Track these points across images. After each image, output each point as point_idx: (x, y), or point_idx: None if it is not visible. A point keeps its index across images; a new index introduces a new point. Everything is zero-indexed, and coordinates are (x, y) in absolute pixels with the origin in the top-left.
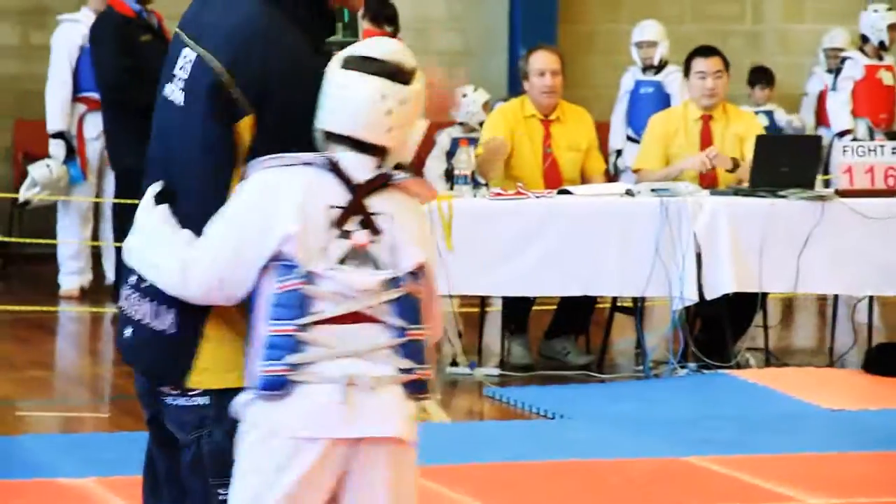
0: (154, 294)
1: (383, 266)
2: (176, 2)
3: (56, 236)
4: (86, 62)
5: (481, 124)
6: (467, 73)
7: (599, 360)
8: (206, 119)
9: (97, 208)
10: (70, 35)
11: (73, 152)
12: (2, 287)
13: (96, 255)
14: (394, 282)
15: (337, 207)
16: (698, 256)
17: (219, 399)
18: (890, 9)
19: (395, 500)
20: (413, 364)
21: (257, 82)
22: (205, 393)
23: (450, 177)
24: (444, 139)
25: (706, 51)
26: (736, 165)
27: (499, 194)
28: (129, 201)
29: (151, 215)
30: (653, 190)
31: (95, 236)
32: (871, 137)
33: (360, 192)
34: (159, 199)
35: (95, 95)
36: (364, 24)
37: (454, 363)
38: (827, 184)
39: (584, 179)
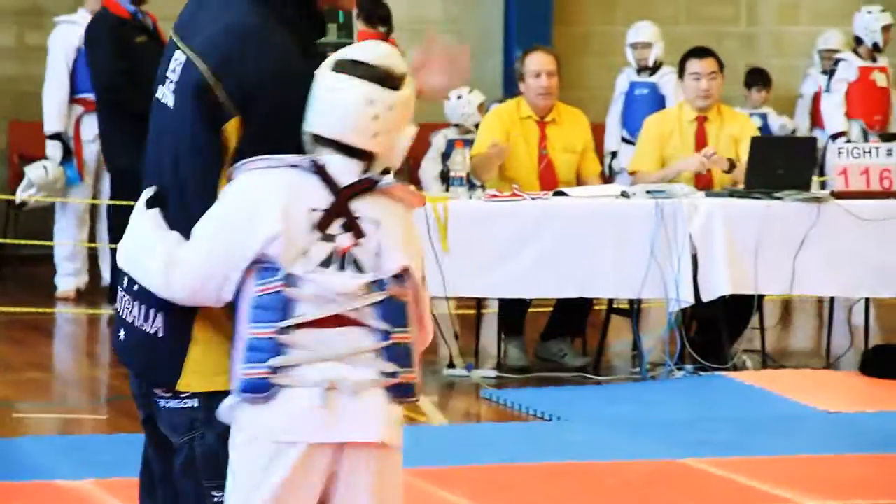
0: (144, 296)
1: (367, 270)
2: (170, 3)
3: (52, 238)
4: (83, 64)
5: (477, 126)
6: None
7: (596, 362)
8: (195, 121)
9: (94, 210)
10: (67, 36)
11: (69, 154)
12: None
13: (93, 256)
14: (377, 285)
15: (319, 210)
16: (694, 258)
17: (209, 401)
18: (884, 10)
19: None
20: (397, 368)
21: (243, 85)
22: (195, 395)
23: (445, 178)
24: (439, 141)
25: (700, 52)
26: (732, 166)
27: (494, 196)
28: (123, 202)
29: (142, 218)
30: (648, 191)
31: (92, 238)
32: (865, 139)
33: (343, 195)
34: (152, 202)
35: (92, 97)
36: (358, 25)
37: (451, 365)
38: (822, 185)
39: (579, 181)
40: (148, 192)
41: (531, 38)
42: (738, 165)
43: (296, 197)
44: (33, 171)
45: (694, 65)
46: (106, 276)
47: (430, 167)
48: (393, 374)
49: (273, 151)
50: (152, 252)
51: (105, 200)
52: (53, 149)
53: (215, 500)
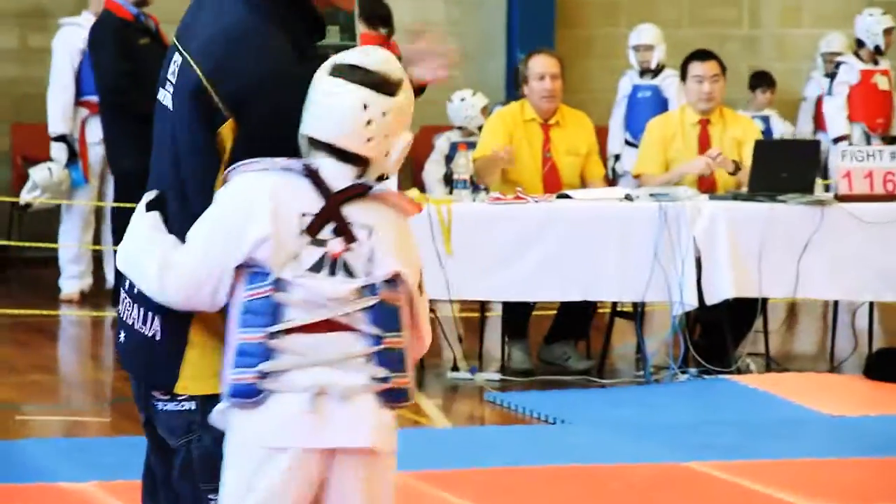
0: (143, 299)
1: (358, 275)
2: (172, 5)
3: (56, 240)
4: (87, 66)
5: (480, 128)
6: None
7: (600, 365)
8: (192, 123)
9: (99, 212)
10: (72, 39)
11: (74, 156)
12: (1, 291)
13: (98, 259)
14: (369, 290)
15: (310, 214)
16: (698, 261)
17: (205, 404)
18: (885, 13)
19: None
20: (389, 372)
21: (237, 89)
22: (192, 398)
23: (449, 181)
24: (442, 143)
25: (703, 55)
26: (737, 168)
27: (498, 199)
28: (127, 205)
29: (141, 221)
30: (652, 194)
31: (97, 240)
32: (868, 142)
33: (334, 199)
34: (152, 205)
35: (97, 99)
36: (359, 27)
37: (455, 368)
38: (826, 188)
39: (583, 184)
40: (149, 195)
41: (534, 41)
42: (742, 168)
43: (286, 201)
44: (38, 173)
45: (696, 67)
46: (110, 278)
47: (433, 170)
48: (384, 379)
49: (268, 154)
50: (148, 255)
51: (109, 203)
52: (58, 151)
53: (212, 503)
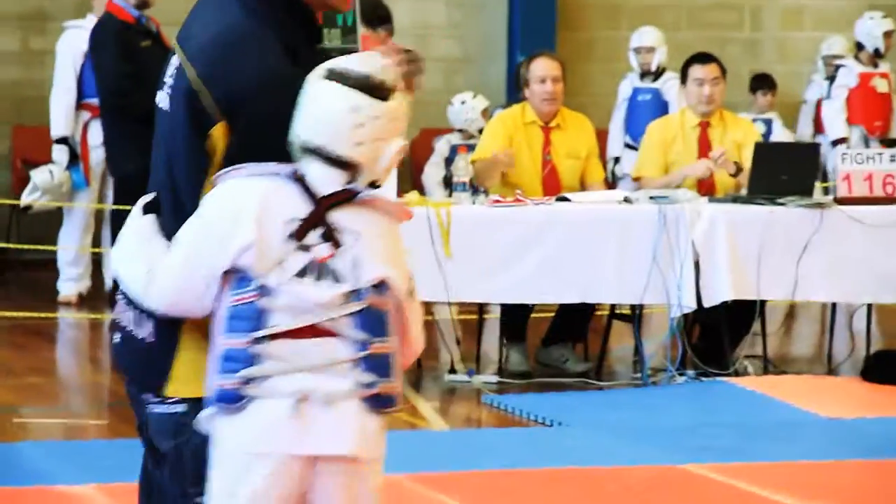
0: (136, 301)
1: (345, 280)
2: (173, 8)
3: (54, 242)
4: (90, 69)
5: (480, 131)
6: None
7: (597, 368)
8: (185, 125)
9: (99, 215)
10: (75, 42)
11: (76, 158)
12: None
13: (97, 261)
14: (355, 295)
15: (296, 220)
16: (696, 264)
17: (195, 408)
18: (886, 16)
19: None
20: (375, 378)
21: (229, 92)
22: (182, 401)
23: (448, 183)
24: (442, 146)
25: (703, 58)
26: (739, 170)
27: (497, 201)
28: (127, 208)
29: (135, 225)
30: (651, 197)
31: (97, 243)
32: (866, 145)
33: (322, 205)
34: (148, 208)
35: (98, 102)
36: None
37: (452, 370)
38: (825, 191)
39: (583, 187)
40: (145, 198)
41: (535, 44)
42: (743, 170)
43: (272, 206)
44: (39, 175)
45: (696, 70)
46: (108, 281)
47: (433, 172)
48: (371, 385)
49: (259, 158)
50: (137, 260)
51: (109, 205)
52: (60, 153)
53: None
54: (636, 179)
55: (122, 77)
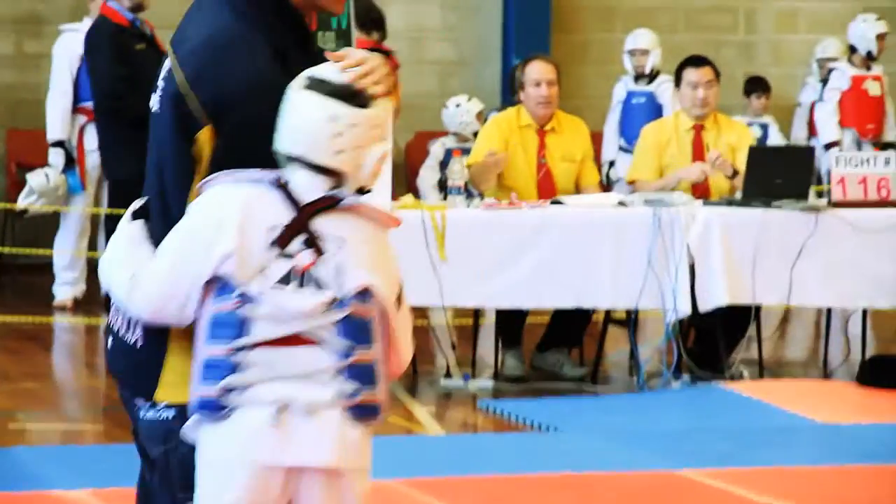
0: None
1: (328, 287)
2: (167, 11)
3: (50, 246)
4: (86, 72)
5: (475, 134)
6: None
7: (593, 373)
8: (171, 128)
9: (95, 219)
10: (71, 45)
11: (72, 162)
12: None
13: (93, 265)
14: (338, 303)
15: (278, 227)
16: (691, 268)
17: (183, 413)
18: (879, 19)
19: None
20: (359, 387)
21: (215, 97)
22: (170, 407)
23: (443, 187)
24: (437, 149)
25: (697, 61)
26: (736, 172)
27: (492, 205)
28: (122, 212)
29: (123, 231)
30: (646, 201)
31: (93, 247)
32: (859, 148)
33: (304, 212)
34: (138, 214)
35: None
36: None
37: (448, 375)
38: (820, 195)
39: (578, 190)
40: (136, 203)
41: (529, 47)
42: (739, 173)
43: (255, 214)
44: (35, 178)
45: (690, 73)
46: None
47: (428, 176)
48: (354, 394)
49: (245, 163)
50: (123, 266)
51: (104, 209)
52: (56, 156)
53: None
54: (631, 183)
55: (117, 80)
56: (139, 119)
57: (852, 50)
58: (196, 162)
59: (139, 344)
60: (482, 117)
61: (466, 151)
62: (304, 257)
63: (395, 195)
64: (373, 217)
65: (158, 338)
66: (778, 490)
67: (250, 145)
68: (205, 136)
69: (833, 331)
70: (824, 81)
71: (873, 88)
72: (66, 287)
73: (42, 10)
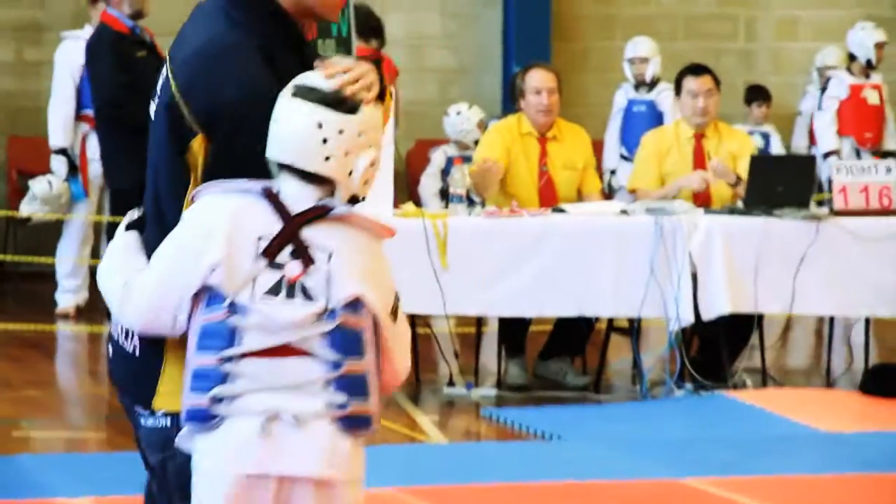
0: None
1: (317, 298)
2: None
3: (51, 254)
4: (88, 80)
5: (476, 142)
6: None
7: (596, 381)
8: (165, 136)
9: (98, 227)
10: (73, 52)
11: (74, 169)
12: None
13: (96, 273)
14: (328, 314)
15: (267, 237)
16: (694, 276)
17: (180, 421)
18: (878, 27)
19: None
20: (348, 398)
21: (207, 106)
22: (167, 415)
23: (445, 195)
24: (438, 157)
25: (697, 69)
26: (739, 179)
27: (493, 213)
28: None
29: (119, 241)
30: (648, 209)
31: (96, 255)
32: (857, 156)
33: (294, 222)
34: (134, 224)
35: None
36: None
37: (451, 384)
38: (820, 203)
39: (580, 198)
40: (132, 213)
41: (530, 55)
42: (742, 180)
43: (243, 223)
44: (38, 186)
45: (690, 82)
46: None
47: (429, 184)
48: (343, 406)
49: (237, 172)
50: (116, 277)
51: (106, 217)
52: (58, 164)
53: None
54: (632, 191)
55: (118, 87)
56: (140, 127)
57: (851, 58)
58: (190, 170)
59: (137, 352)
60: (483, 125)
61: (467, 159)
62: (293, 268)
63: (397, 203)
64: (365, 227)
65: (155, 346)
66: (781, 499)
67: (242, 154)
68: (198, 145)
69: (835, 339)
70: (822, 90)
71: (872, 97)
72: (69, 295)
73: (42, 17)
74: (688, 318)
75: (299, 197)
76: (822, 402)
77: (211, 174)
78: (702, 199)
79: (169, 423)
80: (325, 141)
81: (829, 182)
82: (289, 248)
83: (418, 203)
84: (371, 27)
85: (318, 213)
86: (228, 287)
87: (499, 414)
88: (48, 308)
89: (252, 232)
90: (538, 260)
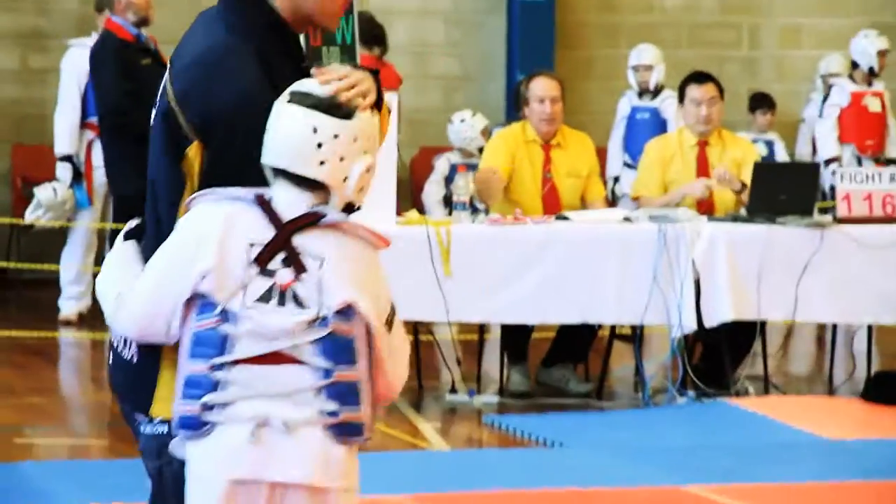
0: None
1: (308, 306)
2: (170, 26)
3: (55, 261)
4: (92, 88)
5: (480, 150)
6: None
7: (598, 389)
8: (161, 144)
9: (102, 234)
10: (79, 60)
11: (79, 176)
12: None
13: None
14: (319, 322)
15: (259, 245)
16: (697, 283)
17: None
18: (881, 34)
19: None
20: (339, 406)
21: (203, 113)
22: (164, 422)
23: (448, 202)
24: (442, 164)
25: (700, 77)
26: (744, 186)
27: (497, 220)
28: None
29: (117, 250)
30: (651, 217)
31: (100, 262)
32: (858, 164)
33: (285, 229)
34: (132, 233)
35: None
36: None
37: (453, 391)
38: (823, 210)
39: (584, 205)
40: (130, 223)
41: (534, 62)
42: (747, 187)
43: (234, 231)
44: (42, 192)
45: (694, 90)
46: None
47: (433, 191)
48: (334, 413)
49: (233, 179)
50: (112, 286)
51: (110, 224)
52: (63, 171)
53: None
54: (635, 199)
55: (122, 95)
56: (144, 135)
57: (854, 66)
58: (186, 177)
59: (135, 359)
60: (487, 133)
61: (471, 167)
62: (285, 275)
63: (400, 210)
64: (360, 236)
65: (152, 354)
66: None
67: (238, 161)
68: (193, 152)
69: (838, 347)
70: (824, 98)
71: (873, 104)
72: (72, 301)
73: (46, 25)
74: (690, 326)
75: (292, 204)
76: (825, 409)
77: (207, 181)
78: (705, 207)
79: (166, 430)
80: (319, 145)
81: (832, 189)
82: (281, 256)
83: (422, 210)
84: (373, 35)
85: (310, 220)
86: (220, 294)
87: (501, 421)
88: (51, 315)
89: (244, 239)
90: (541, 267)
